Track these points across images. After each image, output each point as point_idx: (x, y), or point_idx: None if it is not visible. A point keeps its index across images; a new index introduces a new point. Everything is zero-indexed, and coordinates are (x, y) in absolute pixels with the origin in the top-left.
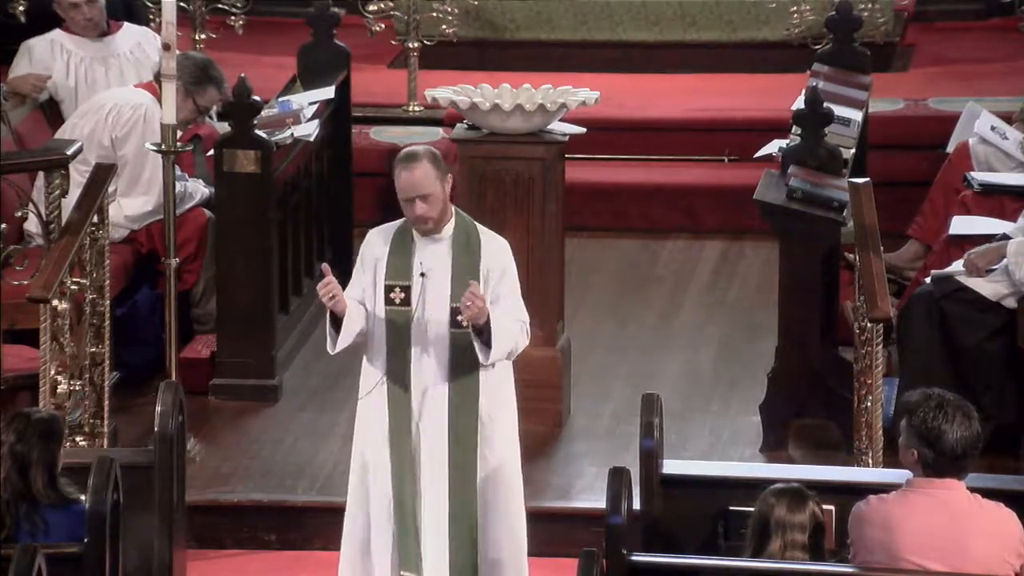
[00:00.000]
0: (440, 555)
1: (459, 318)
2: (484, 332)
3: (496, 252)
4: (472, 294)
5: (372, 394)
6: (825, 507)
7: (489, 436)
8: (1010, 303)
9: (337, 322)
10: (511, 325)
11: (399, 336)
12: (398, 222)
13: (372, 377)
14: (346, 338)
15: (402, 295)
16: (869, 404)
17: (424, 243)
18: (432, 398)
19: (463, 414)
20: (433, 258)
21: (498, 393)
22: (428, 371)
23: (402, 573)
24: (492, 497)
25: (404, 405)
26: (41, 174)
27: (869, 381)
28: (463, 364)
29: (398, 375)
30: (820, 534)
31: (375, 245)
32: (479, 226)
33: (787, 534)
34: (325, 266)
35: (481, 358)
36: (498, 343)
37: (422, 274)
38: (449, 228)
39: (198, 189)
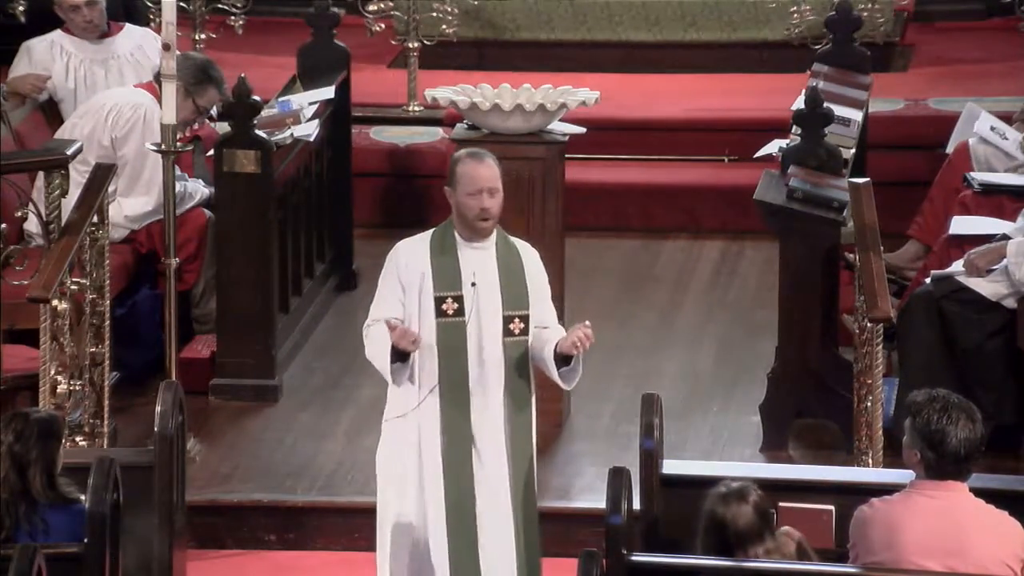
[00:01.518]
0: (507, 564)
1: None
2: (570, 359)
3: (534, 261)
4: (587, 337)
5: (419, 409)
6: (825, 507)
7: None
8: (1010, 303)
9: (399, 356)
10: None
11: (454, 346)
12: (426, 234)
13: (413, 393)
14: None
15: (455, 305)
16: (869, 404)
17: (469, 252)
18: (488, 408)
19: (519, 424)
20: (481, 266)
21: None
22: (483, 381)
23: None
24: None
25: (461, 416)
26: (41, 174)
27: (869, 381)
28: (516, 373)
29: (453, 386)
30: (768, 521)
31: (413, 260)
32: (506, 234)
33: (749, 548)
34: (390, 322)
35: (564, 385)
36: (581, 364)
37: (472, 283)
38: (492, 236)
39: (198, 189)
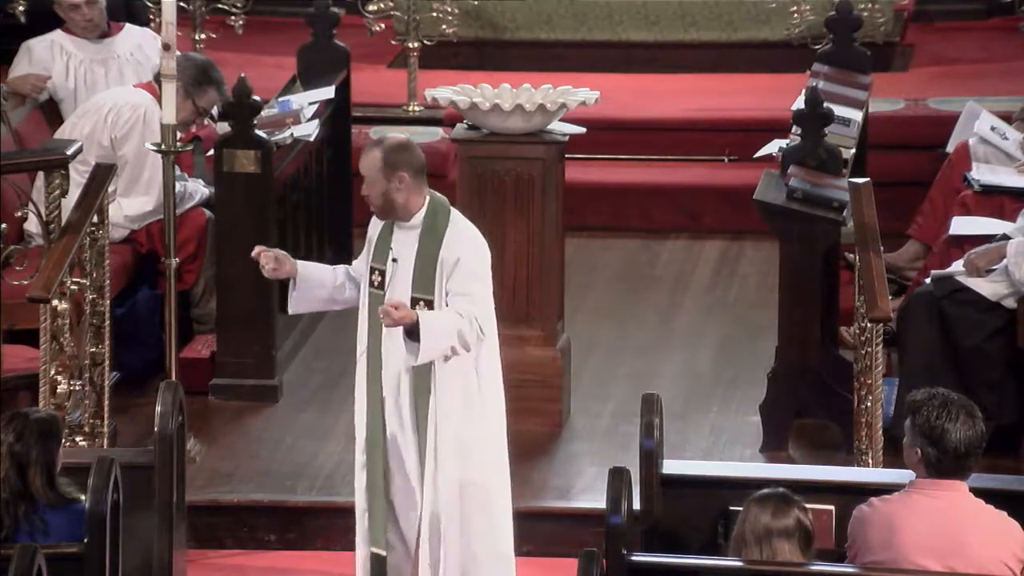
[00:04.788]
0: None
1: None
2: (413, 333)
3: (456, 242)
4: (384, 311)
5: (357, 367)
6: (825, 507)
7: (466, 427)
8: (1010, 303)
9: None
10: (449, 323)
11: (375, 317)
12: None
13: (358, 351)
14: (301, 300)
15: (379, 279)
16: (869, 404)
17: (399, 229)
18: (399, 383)
19: (421, 402)
20: (403, 245)
21: (468, 387)
22: (395, 355)
23: (371, 549)
24: (472, 491)
25: (376, 383)
26: (41, 174)
27: (869, 381)
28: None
29: (373, 354)
30: (809, 540)
31: (372, 227)
32: (454, 214)
33: (773, 543)
34: (257, 249)
35: (410, 359)
36: (428, 342)
37: (394, 259)
38: (420, 216)
39: (198, 189)
